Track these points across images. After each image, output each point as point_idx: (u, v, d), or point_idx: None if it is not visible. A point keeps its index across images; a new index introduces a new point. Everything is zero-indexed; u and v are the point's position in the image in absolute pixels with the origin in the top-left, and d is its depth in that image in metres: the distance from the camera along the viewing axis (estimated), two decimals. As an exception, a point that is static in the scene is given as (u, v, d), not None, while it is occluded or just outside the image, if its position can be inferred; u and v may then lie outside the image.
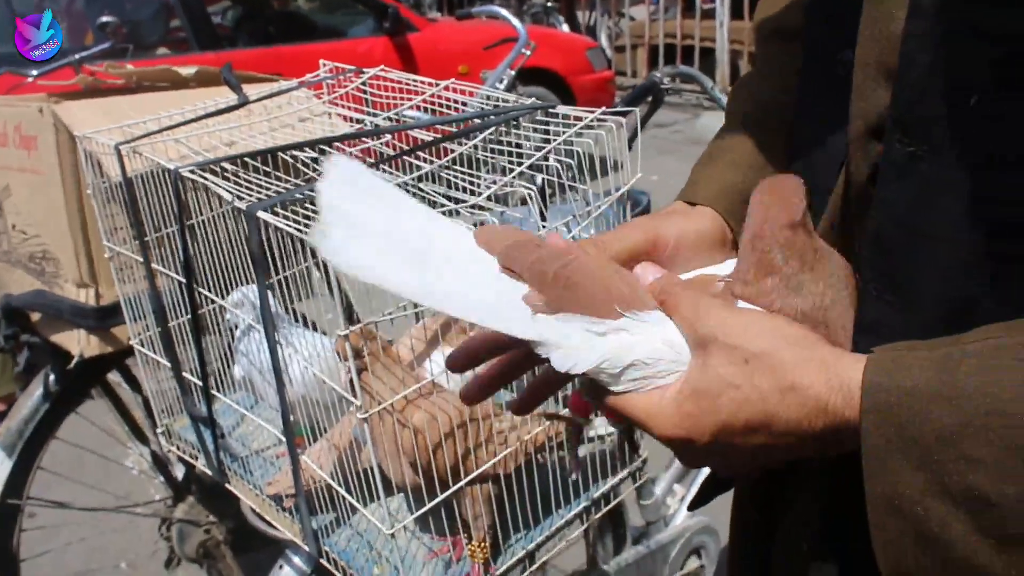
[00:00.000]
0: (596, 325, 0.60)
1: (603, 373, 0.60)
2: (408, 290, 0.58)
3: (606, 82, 6.97)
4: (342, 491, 1.25)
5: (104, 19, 4.62)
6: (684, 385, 0.60)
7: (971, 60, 0.58)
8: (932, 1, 0.59)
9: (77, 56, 3.77)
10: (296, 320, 1.48)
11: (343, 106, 1.69)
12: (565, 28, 9.83)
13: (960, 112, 0.59)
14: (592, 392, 0.64)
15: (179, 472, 2.28)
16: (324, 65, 1.75)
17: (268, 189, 1.25)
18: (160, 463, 2.29)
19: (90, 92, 1.94)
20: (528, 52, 2.99)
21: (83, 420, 2.42)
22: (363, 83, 1.68)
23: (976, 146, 0.59)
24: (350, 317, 2.02)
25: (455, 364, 0.70)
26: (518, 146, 1.39)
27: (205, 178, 1.26)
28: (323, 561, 1.35)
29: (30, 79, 3.63)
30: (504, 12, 3.20)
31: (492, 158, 1.40)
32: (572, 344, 0.59)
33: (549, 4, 10.37)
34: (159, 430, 1.69)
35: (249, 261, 1.23)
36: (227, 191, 1.21)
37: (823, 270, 0.65)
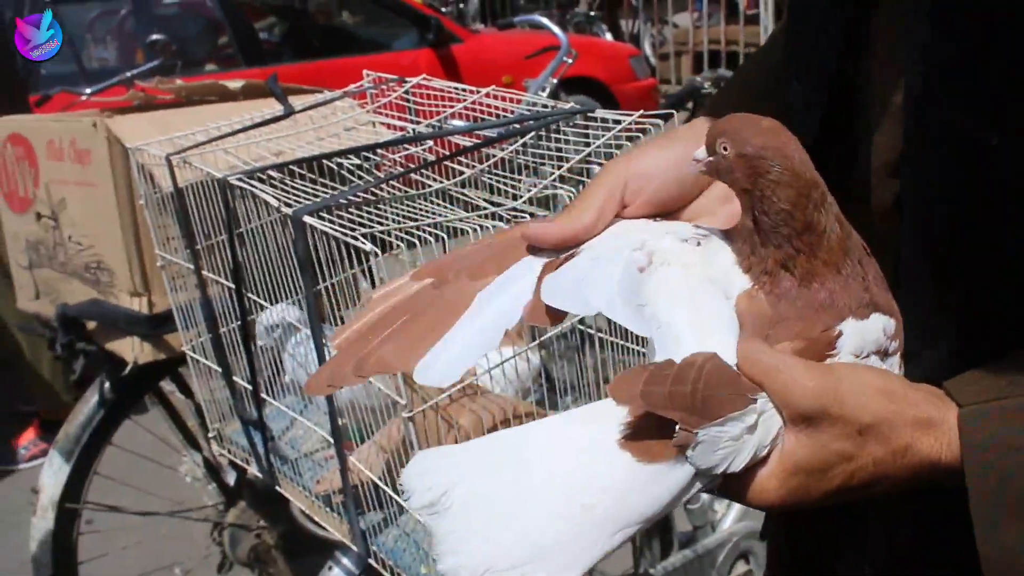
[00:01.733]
0: (746, 418, 0.58)
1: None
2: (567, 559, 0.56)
3: (650, 90, 6.96)
4: (389, 491, 1.27)
5: (154, 37, 4.73)
6: (787, 460, 0.59)
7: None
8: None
9: (129, 74, 3.88)
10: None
11: (387, 115, 1.72)
12: (608, 37, 9.83)
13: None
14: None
15: (231, 478, 2.32)
16: (367, 75, 1.78)
17: (314, 196, 1.28)
18: (212, 469, 2.33)
19: (142, 107, 2.00)
20: (570, 60, 3.02)
21: (139, 428, 2.48)
22: (406, 92, 1.71)
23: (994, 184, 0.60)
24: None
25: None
26: (559, 150, 1.40)
27: (253, 186, 1.30)
28: (371, 561, 1.37)
29: (84, 97, 3.74)
30: (546, 21, 3.23)
31: (533, 162, 1.42)
32: (731, 447, 0.58)
33: (592, 13, 10.40)
34: (210, 434, 1.73)
35: (297, 268, 1.26)
36: (274, 198, 1.24)
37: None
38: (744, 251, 0.66)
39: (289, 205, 1.21)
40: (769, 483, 0.59)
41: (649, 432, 0.58)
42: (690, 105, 2.28)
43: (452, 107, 1.61)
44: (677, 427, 0.56)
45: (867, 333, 0.63)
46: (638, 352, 1.41)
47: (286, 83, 2.04)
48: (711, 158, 0.65)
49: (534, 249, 0.70)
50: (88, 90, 3.89)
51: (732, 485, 0.60)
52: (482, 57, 5.89)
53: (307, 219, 1.15)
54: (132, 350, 1.92)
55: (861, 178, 0.71)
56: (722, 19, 9.51)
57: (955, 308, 0.64)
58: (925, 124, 0.63)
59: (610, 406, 0.60)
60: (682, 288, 0.66)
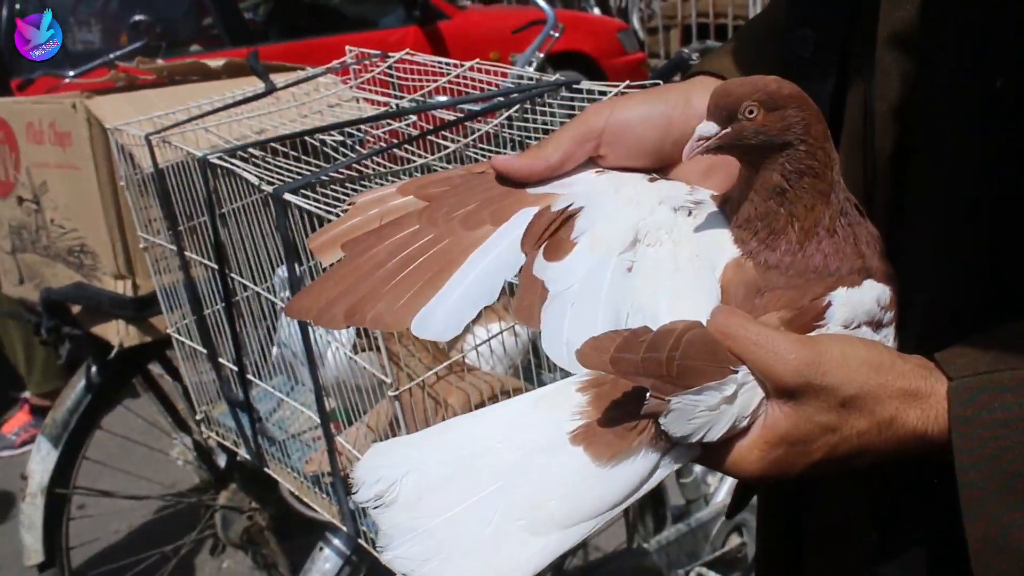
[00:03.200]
0: (725, 388, 0.56)
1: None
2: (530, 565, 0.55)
3: (638, 64, 6.91)
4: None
5: (137, 18, 4.67)
6: (768, 432, 0.58)
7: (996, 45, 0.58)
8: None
9: (112, 56, 3.83)
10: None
11: (370, 91, 1.70)
12: (596, 11, 9.76)
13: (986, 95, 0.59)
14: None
15: (222, 460, 2.31)
16: (350, 51, 1.76)
17: (297, 174, 1.26)
18: (203, 452, 2.31)
19: (124, 88, 1.97)
20: (556, 34, 2.99)
21: (129, 412, 2.46)
22: (389, 68, 1.68)
23: (999, 127, 0.59)
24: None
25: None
26: (544, 124, 1.38)
27: (234, 164, 1.27)
28: (361, 541, 1.36)
29: (67, 80, 3.70)
30: (531, -7, 3.20)
31: (519, 136, 1.40)
32: (706, 416, 0.56)
33: (580, -13, 10.32)
34: (198, 416, 1.71)
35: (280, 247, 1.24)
36: (255, 176, 1.22)
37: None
38: (743, 217, 0.65)
39: (270, 183, 1.19)
40: (751, 454, 0.58)
41: (608, 420, 0.57)
42: (677, 78, 2.26)
43: (436, 82, 1.59)
44: (648, 395, 0.55)
45: (859, 303, 0.62)
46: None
47: (272, 62, 2.02)
48: (728, 129, 0.63)
49: (532, 198, 0.70)
50: (71, 73, 3.85)
51: (713, 455, 0.59)
52: (470, 33, 5.84)
53: (288, 197, 1.13)
54: (117, 333, 1.90)
55: (865, 123, 0.69)
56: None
57: (960, 253, 0.62)
58: (933, 68, 0.62)
59: (569, 390, 0.59)
60: (667, 269, 0.65)
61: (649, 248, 0.67)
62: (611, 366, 0.55)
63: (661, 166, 0.73)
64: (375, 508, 0.56)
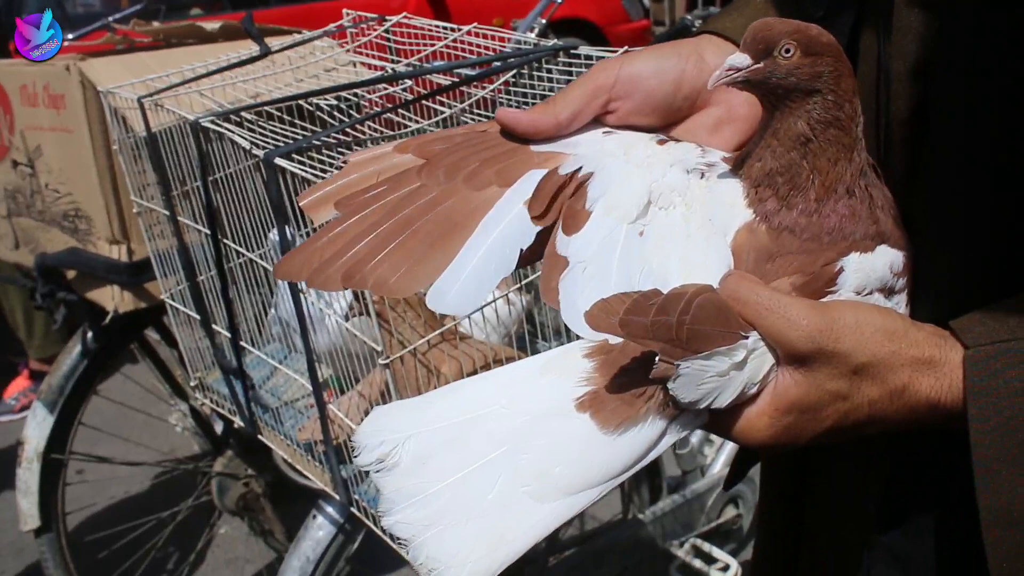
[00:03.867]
0: (735, 354, 0.55)
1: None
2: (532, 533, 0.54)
3: (643, 31, 6.85)
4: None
5: (137, -20, 4.62)
6: (780, 399, 0.57)
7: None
8: None
9: (111, 18, 3.79)
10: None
11: (367, 55, 1.68)
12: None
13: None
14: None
15: (219, 427, 2.30)
16: (347, 15, 1.73)
17: (290, 138, 1.25)
18: (200, 419, 2.31)
19: (120, 51, 1.94)
20: (559, 0, 2.95)
21: (128, 378, 2.46)
22: (386, 31, 1.66)
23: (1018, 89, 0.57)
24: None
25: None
26: (543, 89, 1.36)
27: (226, 128, 1.26)
28: (354, 510, 1.36)
29: (66, 42, 3.66)
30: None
31: (516, 101, 1.38)
32: (715, 382, 0.55)
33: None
34: (192, 383, 1.70)
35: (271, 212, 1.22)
36: (247, 140, 1.20)
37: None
38: (763, 172, 0.64)
39: (262, 147, 1.17)
40: (760, 421, 0.57)
41: (615, 386, 0.56)
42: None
43: (433, 46, 1.56)
44: (657, 359, 0.53)
45: (871, 269, 0.61)
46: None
47: (268, 25, 1.99)
48: (760, 64, 0.62)
49: (538, 158, 0.67)
50: (70, 35, 3.81)
51: (722, 421, 0.58)
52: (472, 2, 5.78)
53: (279, 161, 1.11)
54: (112, 299, 1.88)
55: (878, 86, 0.68)
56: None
57: (979, 220, 0.61)
58: (954, 25, 0.60)
59: (576, 356, 0.58)
60: (679, 234, 0.64)
61: (661, 211, 0.65)
62: (620, 329, 0.54)
63: (670, 122, 0.71)
64: (376, 472, 0.55)
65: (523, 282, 1.40)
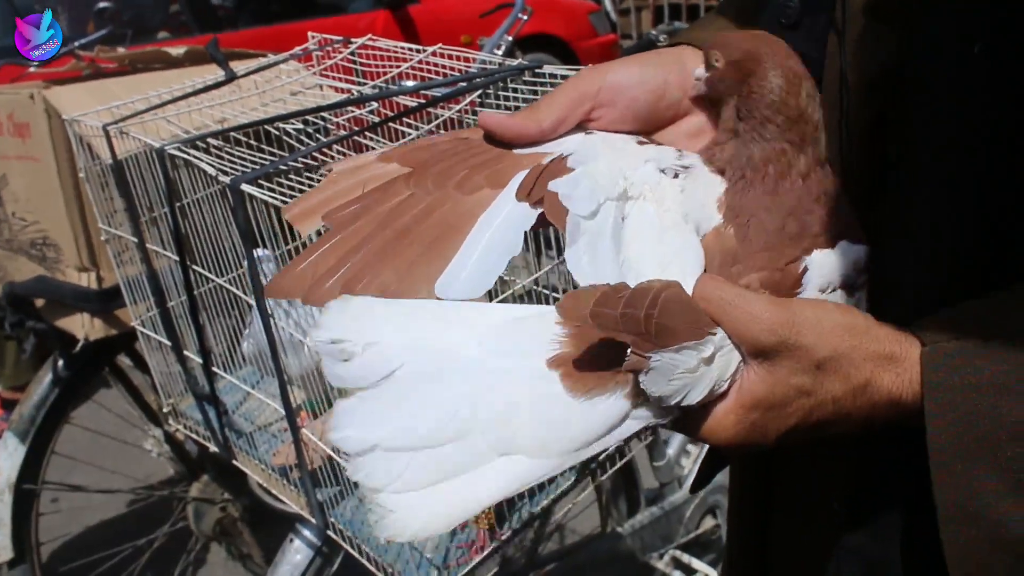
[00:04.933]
0: (703, 349, 0.55)
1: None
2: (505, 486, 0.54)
3: (610, 46, 6.88)
4: (343, 463, 1.24)
5: (102, 5, 4.61)
6: (745, 395, 0.57)
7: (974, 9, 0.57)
8: None
9: (76, 44, 3.77)
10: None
11: (334, 78, 1.68)
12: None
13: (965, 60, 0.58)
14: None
15: (194, 452, 2.29)
16: (312, 37, 1.74)
17: (256, 163, 1.25)
18: (175, 444, 2.30)
19: (86, 77, 1.94)
20: (525, 17, 2.96)
21: (101, 406, 2.44)
22: (352, 53, 1.66)
23: (979, 94, 0.58)
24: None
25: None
26: (508, 108, 1.37)
27: (191, 155, 1.25)
28: (331, 533, 1.35)
29: (32, 69, 3.64)
30: (499, -24, 3.17)
31: (481, 122, 1.38)
32: (685, 379, 0.55)
33: (552, -31, 10.26)
34: (164, 409, 1.69)
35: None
36: (212, 166, 1.20)
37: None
38: (723, 160, 0.67)
39: (228, 173, 1.17)
40: (727, 419, 0.57)
41: (587, 359, 0.56)
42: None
43: (399, 67, 1.57)
44: (628, 351, 0.54)
45: (834, 266, 0.62)
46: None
47: (242, 49, 1.99)
48: (708, 73, 0.69)
49: (526, 160, 0.67)
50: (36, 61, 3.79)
51: (688, 421, 0.58)
52: (441, 17, 5.79)
53: (245, 187, 1.11)
54: (82, 327, 1.87)
55: (841, 95, 0.69)
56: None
57: (943, 229, 0.62)
58: (909, 35, 0.62)
59: (550, 320, 0.58)
60: (652, 228, 0.65)
61: (636, 203, 0.66)
62: (591, 319, 0.54)
63: (652, 130, 0.72)
64: (328, 356, 0.53)
65: (501, 296, 1.40)
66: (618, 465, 1.46)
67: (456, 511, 0.53)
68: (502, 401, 0.54)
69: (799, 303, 0.58)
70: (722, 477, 2.17)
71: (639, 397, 0.56)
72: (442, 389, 0.54)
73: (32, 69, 3.66)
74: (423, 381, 0.54)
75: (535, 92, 1.37)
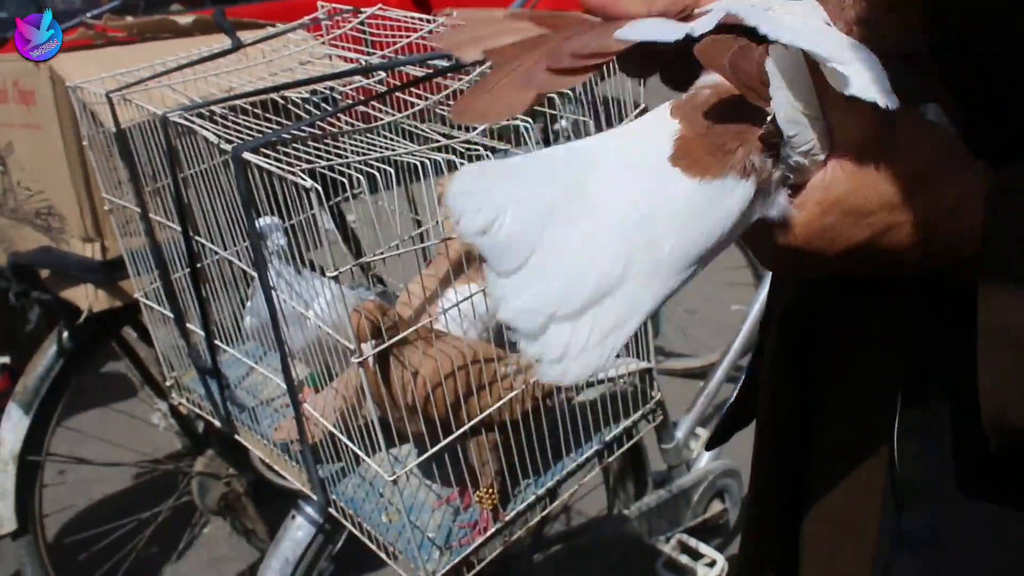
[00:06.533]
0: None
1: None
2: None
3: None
4: (345, 440, 1.22)
5: (115, -25, 4.57)
6: (827, 192, 0.52)
7: None
8: None
9: (89, 14, 3.74)
10: (312, 269, 1.45)
11: (342, 47, 1.65)
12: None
13: None
14: None
15: (199, 426, 2.28)
16: (322, 6, 1.70)
17: (260, 133, 1.22)
18: (180, 417, 2.28)
19: (95, 47, 1.92)
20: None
21: (108, 377, 2.43)
22: (361, 23, 1.63)
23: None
24: (359, 254, 1.99)
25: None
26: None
27: (194, 123, 1.23)
28: (332, 511, 1.33)
29: (43, 38, 3.62)
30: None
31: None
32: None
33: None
34: (167, 383, 1.67)
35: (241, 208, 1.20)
36: (215, 135, 1.17)
37: None
38: None
39: (230, 142, 1.14)
40: (801, 211, 0.53)
41: (703, 147, 0.52)
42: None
43: (408, 37, 1.53)
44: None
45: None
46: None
47: (243, 18, 1.96)
48: None
49: None
50: (48, 31, 3.77)
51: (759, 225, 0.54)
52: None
53: (247, 156, 1.09)
54: (86, 298, 1.86)
55: None
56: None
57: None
58: None
59: (662, 120, 0.54)
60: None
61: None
62: (728, 69, 0.51)
63: None
64: (481, 240, 0.49)
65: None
66: (626, 447, 1.43)
67: (617, 342, 0.50)
68: (648, 226, 0.50)
69: (905, 112, 0.53)
70: (731, 461, 2.14)
71: (753, 166, 0.52)
72: (591, 230, 0.50)
73: (44, 39, 3.65)
74: (567, 228, 0.50)
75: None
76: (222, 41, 1.66)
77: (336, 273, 1.06)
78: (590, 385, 1.42)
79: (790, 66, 0.51)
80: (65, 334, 1.99)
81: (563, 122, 1.43)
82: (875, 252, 0.54)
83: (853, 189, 0.52)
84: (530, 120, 1.21)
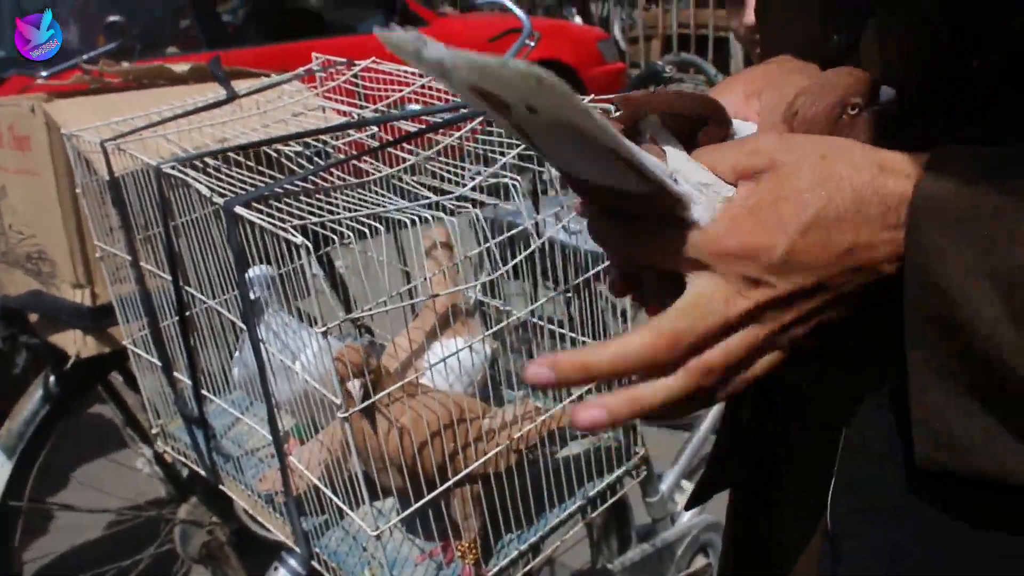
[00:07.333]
0: None
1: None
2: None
3: (618, 74, 6.91)
4: (328, 492, 1.22)
5: (112, 19, 4.63)
6: (750, 198, 0.53)
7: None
8: None
9: (85, 57, 3.77)
10: (300, 318, 1.46)
11: (336, 99, 1.67)
12: (578, 20, 9.77)
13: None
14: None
15: (183, 473, 2.26)
16: (316, 58, 1.73)
17: (253, 185, 1.23)
18: (164, 464, 2.27)
19: (90, 91, 1.93)
20: (532, 43, 2.95)
21: (92, 423, 2.42)
22: (355, 76, 1.65)
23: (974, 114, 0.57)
24: (348, 308, 2.00)
25: (620, 289, 0.63)
26: (508, 136, 1.35)
27: (187, 175, 1.24)
28: (314, 563, 1.33)
29: (40, 80, 3.65)
30: (508, 3, 3.17)
31: (483, 149, 1.37)
32: None
33: (562, -4, 10.32)
34: (153, 431, 1.67)
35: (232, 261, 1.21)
36: (207, 187, 1.18)
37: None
38: None
39: (222, 195, 1.16)
40: (728, 220, 0.54)
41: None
42: (652, 88, 2.24)
43: (401, 91, 1.55)
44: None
45: None
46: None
47: (250, 67, 1.98)
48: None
49: None
50: (44, 72, 3.80)
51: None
52: (448, 40, 5.64)
53: (239, 210, 1.10)
54: (74, 343, 1.86)
55: None
56: (691, 2, 9.48)
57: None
58: (911, 54, 0.61)
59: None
60: None
61: None
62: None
63: None
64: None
65: (489, 331, 1.39)
66: (610, 502, 1.43)
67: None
68: None
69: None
70: (715, 516, 2.14)
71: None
72: None
73: (39, 81, 3.68)
74: None
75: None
76: (217, 89, 1.68)
77: (325, 328, 1.06)
78: (574, 439, 1.43)
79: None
80: (52, 379, 1.98)
81: (551, 171, 1.45)
82: (827, 227, 0.53)
83: (775, 186, 0.53)
84: (518, 177, 1.23)
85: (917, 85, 0.60)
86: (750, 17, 1.60)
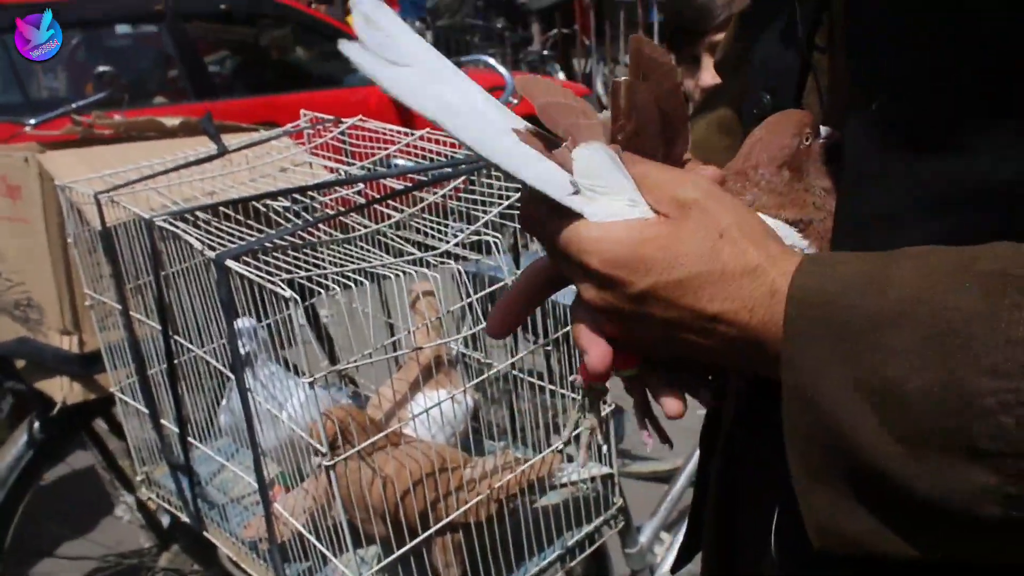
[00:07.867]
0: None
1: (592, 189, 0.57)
2: (433, 108, 0.56)
3: (604, 127, 6.98)
4: (312, 539, 1.25)
5: (101, 69, 4.69)
6: (647, 229, 0.55)
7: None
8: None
9: (74, 106, 3.82)
10: (286, 368, 1.49)
11: (324, 156, 1.71)
12: (561, 76, 9.90)
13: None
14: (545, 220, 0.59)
15: (165, 520, 2.27)
16: (304, 115, 1.78)
17: (242, 238, 1.27)
18: (147, 511, 2.28)
19: (81, 142, 1.97)
20: (515, 100, 3.04)
21: (74, 469, 2.42)
22: (342, 133, 1.70)
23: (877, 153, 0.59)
24: (332, 358, 2.03)
25: (496, 328, 0.67)
26: (490, 194, 1.40)
27: (178, 227, 1.28)
28: (298, 611, 1.35)
29: (27, 128, 3.69)
30: (491, 60, 3.25)
31: (465, 207, 1.42)
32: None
33: (545, 52, 10.46)
34: (139, 478, 1.69)
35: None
36: (198, 240, 1.22)
37: (800, 204, 0.64)
38: None
39: (213, 248, 1.20)
40: (623, 238, 0.56)
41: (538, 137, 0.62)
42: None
43: (386, 149, 1.60)
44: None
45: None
46: (572, 398, 1.41)
47: (237, 119, 2.03)
48: None
49: None
50: (32, 121, 3.84)
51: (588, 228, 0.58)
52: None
53: (230, 263, 1.14)
54: (61, 390, 1.88)
55: None
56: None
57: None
58: (828, 98, 0.65)
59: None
60: None
61: None
62: (540, 109, 0.62)
63: None
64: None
65: (471, 383, 1.42)
66: (588, 551, 1.46)
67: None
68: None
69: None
70: (693, 567, 2.15)
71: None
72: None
73: (28, 129, 3.72)
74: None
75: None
76: (206, 143, 1.73)
77: (312, 379, 1.09)
78: (552, 488, 1.46)
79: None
80: (36, 424, 2.00)
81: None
82: (683, 292, 0.55)
83: (672, 233, 0.56)
84: (498, 234, 1.27)
85: (838, 125, 0.64)
86: (706, 79, 1.66)
